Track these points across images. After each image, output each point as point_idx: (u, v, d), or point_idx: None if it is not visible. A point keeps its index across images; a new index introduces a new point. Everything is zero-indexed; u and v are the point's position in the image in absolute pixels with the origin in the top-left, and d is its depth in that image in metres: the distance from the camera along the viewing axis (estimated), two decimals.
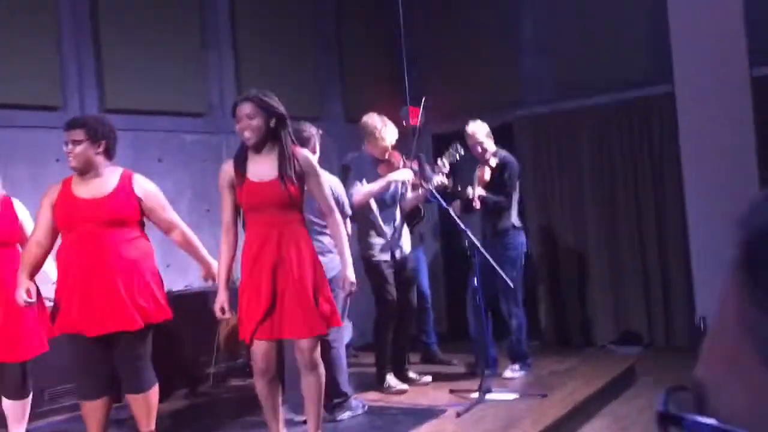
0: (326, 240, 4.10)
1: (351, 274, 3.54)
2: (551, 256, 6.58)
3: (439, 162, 5.20)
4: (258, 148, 3.28)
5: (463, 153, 5.17)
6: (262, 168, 3.28)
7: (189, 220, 5.84)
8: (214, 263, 3.59)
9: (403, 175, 4.86)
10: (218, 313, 3.38)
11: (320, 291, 3.32)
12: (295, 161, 3.29)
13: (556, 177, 6.58)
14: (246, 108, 3.24)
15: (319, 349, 3.44)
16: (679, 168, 5.95)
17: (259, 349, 3.34)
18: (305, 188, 3.37)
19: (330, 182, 4.22)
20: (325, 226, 3.87)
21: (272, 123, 3.25)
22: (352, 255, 3.57)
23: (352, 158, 5.01)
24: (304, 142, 4.11)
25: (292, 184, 3.24)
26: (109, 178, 3.45)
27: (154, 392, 3.50)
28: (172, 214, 3.60)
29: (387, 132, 4.83)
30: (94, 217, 3.34)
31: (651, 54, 6.16)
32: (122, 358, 3.40)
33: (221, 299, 3.38)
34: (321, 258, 3.55)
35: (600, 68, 6.28)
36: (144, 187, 3.51)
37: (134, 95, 5.43)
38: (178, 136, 5.82)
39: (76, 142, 3.39)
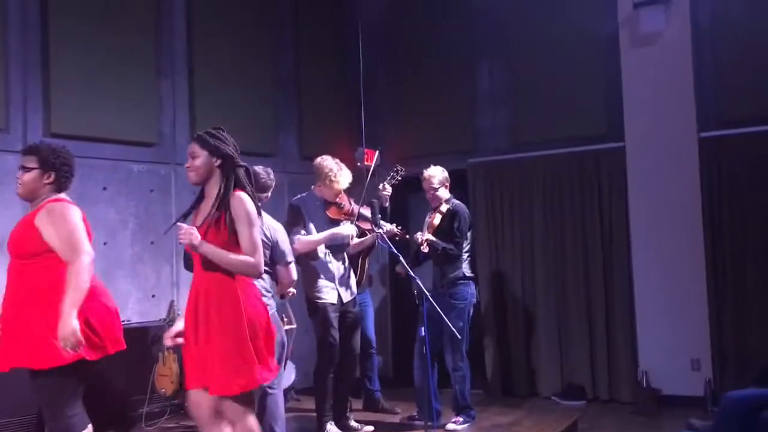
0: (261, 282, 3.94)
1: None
2: (499, 304, 6.55)
3: (380, 186, 5.23)
4: (203, 189, 3.15)
5: (404, 172, 5.25)
6: (203, 211, 3.09)
7: (132, 252, 5.72)
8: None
9: (348, 230, 4.81)
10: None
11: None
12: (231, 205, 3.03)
13: (507, 225, 6.59)
14: (191, 147, 3.10)
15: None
16: (627, 223, 6.05)
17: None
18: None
19: (274, 229, 4.13)
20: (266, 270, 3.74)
21: (217, 163, 3.06)
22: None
23: (301, 198, 4.93)
24: (261, 188, 4.02)
25: (215, 229, 2.98)
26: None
27: None
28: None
29: (341, 176, 4.78)
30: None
31: (604, 111, 6.26)
32: None
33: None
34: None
35: (554, 122, 6.37)
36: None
37: (82, 121, 5.25)
38: (126, 164, 5.65)
39: (25, 169, 3.25)
